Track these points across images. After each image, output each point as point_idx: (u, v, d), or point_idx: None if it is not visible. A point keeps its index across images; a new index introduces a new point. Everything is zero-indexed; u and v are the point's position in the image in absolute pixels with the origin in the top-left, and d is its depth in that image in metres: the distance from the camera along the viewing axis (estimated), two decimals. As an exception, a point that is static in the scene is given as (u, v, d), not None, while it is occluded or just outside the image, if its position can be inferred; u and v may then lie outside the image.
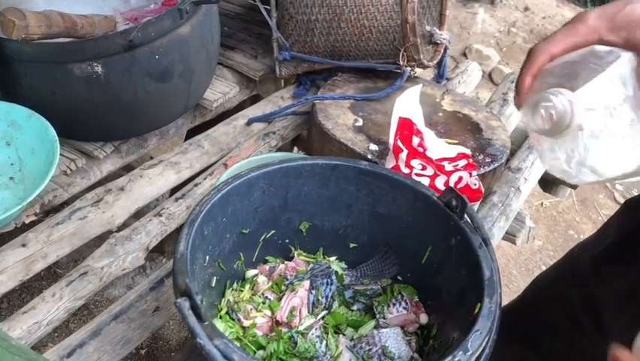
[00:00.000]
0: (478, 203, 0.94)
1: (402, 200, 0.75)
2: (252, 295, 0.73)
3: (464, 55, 3.06)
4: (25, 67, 0.86)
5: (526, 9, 3.58)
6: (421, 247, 0.75)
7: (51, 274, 1.69)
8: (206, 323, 0.53)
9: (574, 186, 1.43)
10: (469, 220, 0.70)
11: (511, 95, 1.36)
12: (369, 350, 0.70)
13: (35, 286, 1.67)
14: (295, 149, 1.38)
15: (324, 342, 0.70)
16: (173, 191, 1.01)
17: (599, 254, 0.91)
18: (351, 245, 0.81)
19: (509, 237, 1.63)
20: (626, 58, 0.57)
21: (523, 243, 1.68)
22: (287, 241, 0.80)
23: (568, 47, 0.61)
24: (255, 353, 0.68)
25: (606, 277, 0.88)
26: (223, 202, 0.70)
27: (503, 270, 2.03)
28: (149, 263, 1.74)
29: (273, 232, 0.78)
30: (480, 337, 0.57)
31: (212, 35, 1.02)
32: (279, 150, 1.15)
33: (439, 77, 1.29)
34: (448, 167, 0.81)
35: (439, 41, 1.23)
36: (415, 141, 0.80)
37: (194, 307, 0.54)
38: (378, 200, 0.77)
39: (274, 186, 0.75)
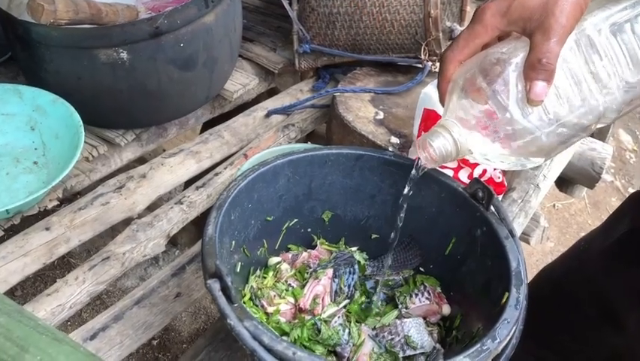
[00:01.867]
0: (501, 197, 0.94)
1: (427, 191, 0.75)
2: (276, 282, 0.74)
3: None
4: (52, 52, 0.87)
5: (540, 11, 3.57)
6: (444, 238, 0.75)
7: (64, 263, 1.70)
8: (236, 305, 0.54)
9: (590, 186, 1.42)
10: (494, 212, 0.70)
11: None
12: (392, 339, 0.70)
13: (49, 275, 1.68)
14: (308, 143, 1.38)
15: (347, 330, 0.70)
16: (186, 185, 1.01)
17: (609, 247, 0.90)
18: (373, 236, 0.81)
19: (523, 236, 1.63)
20: (513, 65, 0.58)
21: (537, 243, 1.68)
22: (309, 229, 0.80)
23: (472, 51, 0.62)
24: (278, 338, 0.68)
25: (618, 269, 0.88)
26: (249, 188, 0.70)
27: (514, 270, 2.02)
28: (162, 255, 1.75)
29: (296, 220, 0.78)
30: (508, 326, 0.57)
31: (235, 25, 1.02)
32: (296, 142, 1.15)
33: (458, 73, 1.29)
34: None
35: (459, 37, 1.23)
36: (440, 132, 0.80)
37: (225, 289, 0.54)
38: (402, 191, 0.77)
39: (299, 174, 0.76)
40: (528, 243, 1.66)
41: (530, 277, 0.70)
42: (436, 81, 0.91)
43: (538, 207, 1.18)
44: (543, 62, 0.55)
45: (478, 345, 0.55)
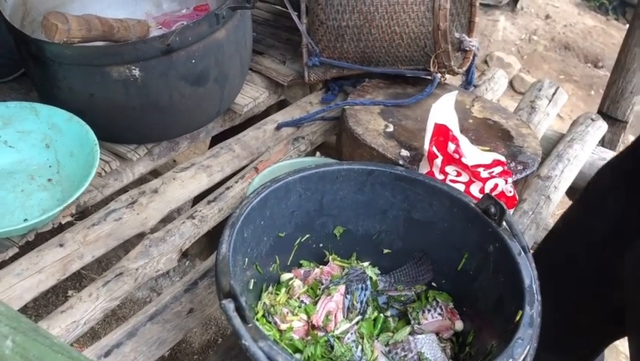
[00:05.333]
0: (512, 210, 0.93)
1: (438, 206, 0.75)
2: (288, 298, 0.74)
3: (485, 62, 3.05)
4: (65, 70, 0.88)
5: (547, 17, 3.56)
6: (456, 253, 0.75)
7: (75, 274, 1.70)
8: (250, 325, 0.54)
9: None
10: (507, 228, 0.69)
11: (539, 103, 1.36)
12: (405, 356, 0.70)
13: (60, 286, 1.68)
14: (318, 154, 1.38)
15: (360, 347, 0.70)
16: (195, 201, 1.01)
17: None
18: (385, 251, 0.81)
19: (534, 246, 1.62)
20: None
21: (547, 252, 1.67)
22: (321, 245, 0.81)
23: None
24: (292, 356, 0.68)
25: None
26: (262, 205, 0.70)
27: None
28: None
29: (307, 235, 0.79)
30: (522, 345, 0.57)
31: (245, 40, 1.03)
32: (306, 155, 1.15)
33: (467, 83, 1.29)
34: (484, 174, 0.81)
35: (468, 48, 1.23)
36: (451, 147, 0.80)
37: (239, 309, 0.54)
38: (413, 206, 0.77)
39: (310, 190, 0.76)
40: (539, 252, 1.64)
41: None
42: (449, 94, 0.91)
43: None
44: None
45: (493, 364, 0.55)
